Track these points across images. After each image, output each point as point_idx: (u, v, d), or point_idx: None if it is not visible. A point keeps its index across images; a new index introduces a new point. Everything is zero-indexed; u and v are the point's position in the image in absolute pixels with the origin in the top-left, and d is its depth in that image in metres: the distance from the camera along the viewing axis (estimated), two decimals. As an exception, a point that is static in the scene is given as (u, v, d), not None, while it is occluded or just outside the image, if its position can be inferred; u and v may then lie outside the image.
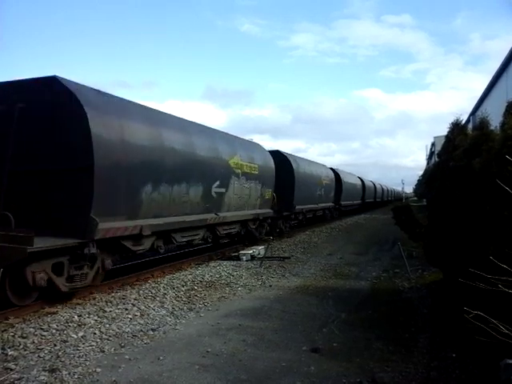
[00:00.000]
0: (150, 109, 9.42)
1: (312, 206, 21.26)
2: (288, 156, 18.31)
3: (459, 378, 4.36)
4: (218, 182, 11.16)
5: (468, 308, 3.26)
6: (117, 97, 8.40)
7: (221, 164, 11.43)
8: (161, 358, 4.90)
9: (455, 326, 5.22)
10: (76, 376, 4.36)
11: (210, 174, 10.85)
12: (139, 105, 9.09)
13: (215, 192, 11.09)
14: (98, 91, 7.84)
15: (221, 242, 13.49)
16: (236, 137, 14.06)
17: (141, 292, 7.93)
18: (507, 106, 5.56)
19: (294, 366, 4.70)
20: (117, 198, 7.54)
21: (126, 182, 7.69)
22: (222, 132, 13.12)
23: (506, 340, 3.07)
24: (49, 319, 6.15)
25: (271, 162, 15.75)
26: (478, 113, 19.20)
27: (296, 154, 20.66)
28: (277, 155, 17.12)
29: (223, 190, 11.54)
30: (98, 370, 4.53)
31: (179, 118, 10.47)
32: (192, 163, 9.90)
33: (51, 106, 7.11)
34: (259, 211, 14.55)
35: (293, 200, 17.72)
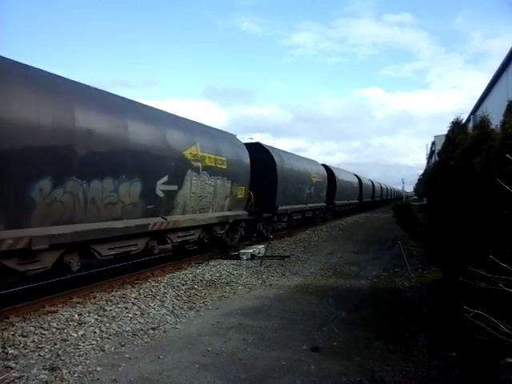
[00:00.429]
0: (58, 77, 6.94)
1: (300, 206, 19.03)
2: (269, 149, 15.95)
3: (459, 377, 4.36)
4: (165, 178, 8.97)
5: (468, 307, 3.26)
6: None
7: (171, 155, 9.18)
8: (161, 356, 4.90)
9: (455, 325, 5.23)
10: (76, 375, 4.37)
11: (154, 167, 8.61)
12: (38, 70, 6.60)
13: (162, 190, 8.92)
14: None
15: (188, 249, 11.86)
16: (197, 123, 11.51)
17: (141, 291, 7.93)
18: (508, 105, 5.56)
19: (294, 364, 4.71)
20: None
21: (2, 176, 5.68)
22: (176, 116, 10.53)
23: (506, 339, 3.07)
24: (49, 318, 6.16)
25: (245, 155, 13.37)
26: (479, 112, 19.17)
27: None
28: (256, 148, 15.10)
29: (174, 187, 9.37)
30: (99, 368, 4.54)
31: (109, 94, 8.20)
32: (123, 152, 7.71)
33: None
34: (228, 213, 12.23)
35: (275, 199, 15.56)
